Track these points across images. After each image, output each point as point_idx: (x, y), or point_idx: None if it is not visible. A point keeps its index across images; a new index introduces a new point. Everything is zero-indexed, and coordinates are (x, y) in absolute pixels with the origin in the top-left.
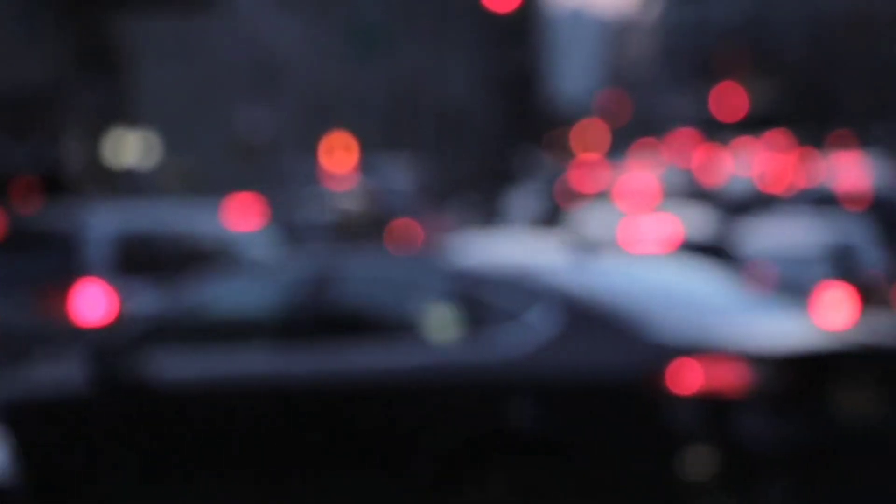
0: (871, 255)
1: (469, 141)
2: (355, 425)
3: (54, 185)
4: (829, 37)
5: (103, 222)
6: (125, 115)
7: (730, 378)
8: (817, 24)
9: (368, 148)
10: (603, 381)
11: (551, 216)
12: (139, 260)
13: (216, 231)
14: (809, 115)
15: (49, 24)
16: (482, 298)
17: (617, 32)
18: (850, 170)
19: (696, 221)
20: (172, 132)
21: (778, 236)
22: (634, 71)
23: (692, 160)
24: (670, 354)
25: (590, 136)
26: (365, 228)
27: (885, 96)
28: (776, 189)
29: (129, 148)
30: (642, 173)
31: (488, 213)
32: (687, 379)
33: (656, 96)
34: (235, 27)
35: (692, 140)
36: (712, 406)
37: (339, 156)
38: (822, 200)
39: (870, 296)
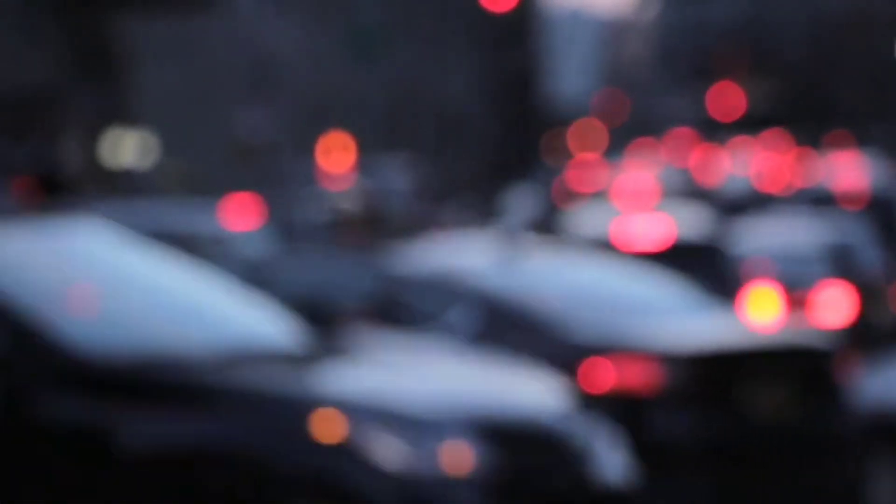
0: (869, 255)
1: (467, 141)
2: None
3: (53, 185)
4: (828, 37)
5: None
6: (124, 115)
7: (641, 377)
8: (815, 25)
9: (366, 148)
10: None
11: (549, 216)
12: None
13: (214, 231)
14: (807, 115)
15: (48, 24)
16: (404, 300)
17: (614, 33)
18: (847, 170)
19: (691, 221)
20: (171, 132)
21: (776, 236)
22: (632, 71)
23: (690, 160)
24: (582, 354)
25: (587, 135)
26: (362, 228)
27: (884, 97)
28: (774, 189)
29: (128, 148)
30: (640, 173)
31: (486, 212)
32: (598, 378)
33: (654, 96)
34: (234, 28)
35: (690, 140)
36: (624, 404)
37: (336, 156)
38: (820, 200)
39: (868, 295)
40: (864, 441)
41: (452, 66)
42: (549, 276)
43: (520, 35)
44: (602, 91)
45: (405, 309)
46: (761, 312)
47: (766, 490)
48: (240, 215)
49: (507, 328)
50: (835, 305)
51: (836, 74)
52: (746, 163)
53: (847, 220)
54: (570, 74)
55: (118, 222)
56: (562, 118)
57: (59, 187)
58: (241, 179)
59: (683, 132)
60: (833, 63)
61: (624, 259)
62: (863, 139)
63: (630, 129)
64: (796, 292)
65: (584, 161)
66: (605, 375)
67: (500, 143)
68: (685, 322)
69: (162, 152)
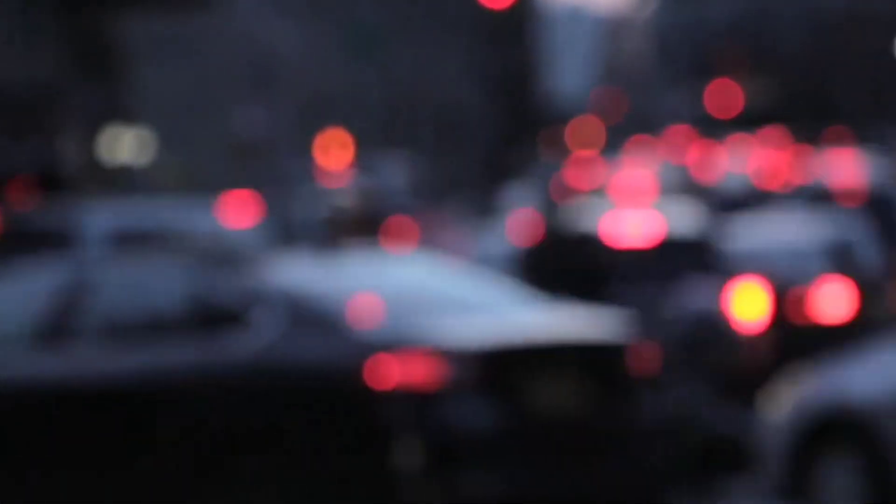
0: (868, 251)
1: (465, 138)
2: (98, 426)
3: (51, 183)
4: (826, 34)
5: (100, 220)
6: (122, 113)
7: (426, 373)
8: (814, 22)
9: (364, 145)
10: (314, 379)
11: (547, 213)
12: None
13: (212, 228)
14: (805, 112)
15: (47, 23)
16: (212, 300)
17: (613, 30)
18: (845, 167)
19: (685, 217)
20: (169, 130)
21: (774, 232)
22: (630, 68)
23: (688, 157)
24: (369, 351)
25: (585, 132)
26: (360, 226)
27: (882, 93)
28: (772, 185)
29: (126, 146)
30: (638, 170)
31: (484, 210)
32: (385, 375)
33: (652, 93)
34: (232, 26)
35: (688, 137)
36: (411, 400)
37: (334, 153)
38: (818, 197)
39: (867, 291)
40: (665, 435)
41: (451, 64)
42: (357, 277)
43: (518, 32)
44: (600, 88)
45: (215, 310)
46: (748, 308)
47: (555, 483)
48: (238, 212)
49: (308, 327)
50: (833, 302)
51: (835, 71)
52: (744, 160)
53: (845, 216)
54: (568, 71)
55: (115, 220)
56: (560, 115)
57: (57, 185)
58: (239, 177)
59: (681, 129)
60: (831, 60)
61: (451, 262)
62: (861, 136)
63: (628, 126)
64: (794, 289)
65: (582, 158)
66: (390, 372)
67: (498, 141)
68: (485, 319)
69: (160, 150)
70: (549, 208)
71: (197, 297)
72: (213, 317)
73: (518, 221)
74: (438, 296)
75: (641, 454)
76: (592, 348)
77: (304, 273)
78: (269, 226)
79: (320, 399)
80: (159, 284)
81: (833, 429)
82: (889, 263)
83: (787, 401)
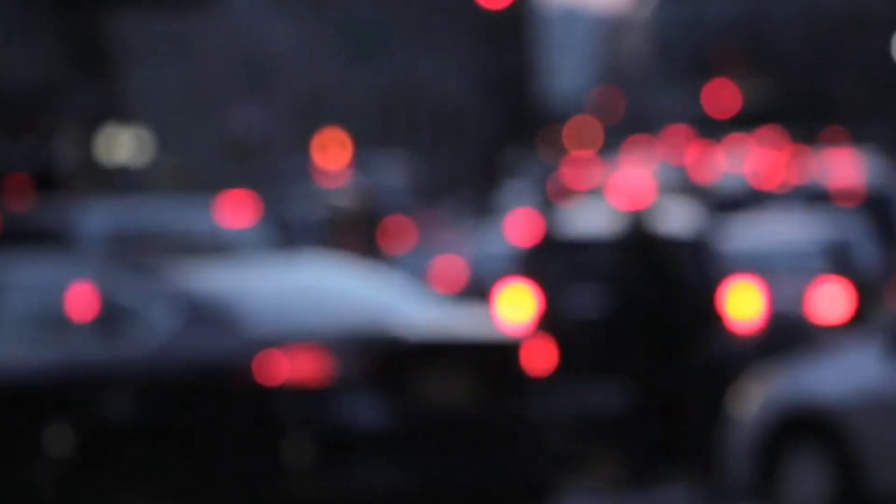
0: (866, 251)
1: (462, 138)
2: None
3: (48, 183)
4: (824, 34)
5: (97, 220)
6: (119, 112)
7: (317, 368)
8: (811, 21)
9: (362, 145)
10: (206, 376)
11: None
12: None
13: (210, 228)
14: (803, 112)
15: (43, 22)
16: (112, 297)
17: (610, 29)
18: (843, 166)
19: (682, 217)
20: (166, 130)
21: (772, 232)
22: (628, 68)
23: (685, 157)
24: (259, 348)
25: (583, 133)
26: (358, 225)
27: (879, 93)
28: (770, 186)
29: (123, 146)
30: (636, 170)
31: (482, 209)
32: (274, 370)
33: (650, 93)
34: (229, 26)
35: (685, 137)
36: (300, 395)
37: (332, 153)
38: (816, 197)
39: (864, 291)
40: (556, 428)
41: (448, 63)
42: (254, 276)
43: (516, 32)
44: (598, 88)
45: (115, 307)
46: (742, 308)
47: (443, 476)
48: (236, 212)
49: (202, 325)
50: (832, 302)
51: (832, 71)
52: (742, 160)
53: (843, 216)
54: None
55: (112, 220)
56: (557, 115)
57: (54, 185)
58: (236, 176)
59: (679, 129)
60: (829, 60)
61: (354, 262)
62: (859, 136)
63: (625, 127)
64: (792, 288)
65: (579, 158)
66: (280, 368)
67: (496, 140)
68: (378, 317)
69: (157, 149)
70: (547, 208)
71: (98, 296)
72: (113, 315)
73: (516, 221)
74: (334, 295)
75: (530, 449)
76: (483, 346)
77: (204, 274)
78: (266, 225)
79: (212, 395)
80: (64, 284)
81: (799, 427)
82: (887, 263)
83: (755, 399)
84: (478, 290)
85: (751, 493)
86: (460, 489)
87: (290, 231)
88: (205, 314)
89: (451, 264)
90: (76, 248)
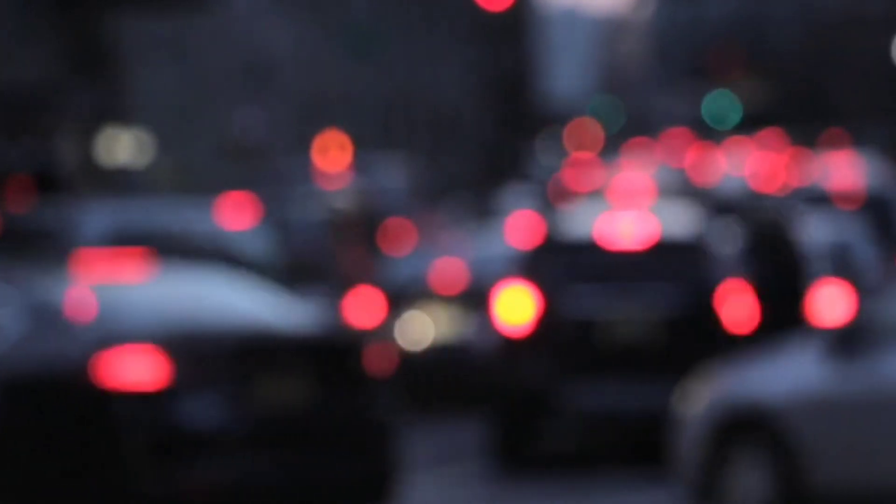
0: (866, 254)
1: (462, 140)
2: None
3: (48, 184)
4: (823, 36)
5: (97, 221)
6: (119, 114)
7: (154, 368)
8: (811, 24)
9: (362, 147)
10: (47, 378)
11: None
12: None
13: (210, 230)
14: (802, 115)
15: (43, 23)
16: None
17: (610, 32)
18: (843, 169)
19: (681, 220)
20: (166, 131)
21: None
22: (627, 70)
23: (685, 159)
24: (95, 348)
25: (583, 135)
26: (358, 227)
27: (879, 95)
28: (769, 188)
29: (123, 147)
30: (635, 172)
31: (482, 211)
32: (111, 371)
33: (649, 95)
34: (229, 27)
35: (685, 139)
36: (136, 395)
37: (332, 155)
38: (816, 199)
39: (865, 294)
40: (394, 429)
41: (448, 65)
42: (121, 283)
43: (515, 34)
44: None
45: None
46: (735, 310)
47: (280, 474)
48: (235, 214)
49: (46, 328)
50: (831, 304)
51: (832, 73)
52: (742, 162)
53: (843, 219)
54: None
55: (112, 221)
56: (557, 117)
57: (54, 186)
58: (236, 178)
59: (679, 131)
60: (828, 62)
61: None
62: (859, 138)
63: (625, 129)
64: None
65: (579, 160)
66: (116, 369)
67: (496, 142)
68: (220, 318)
69: (157, 150)
70: (547, 210)
71: None
72: None
73: (516, 223)
74: (192, 301)
75: (371, 446)
76: (323, 345)
77: (52, 278)
78: (266, 227)
79: (52, 397)
80: None
81: (743, 426)
82: (887, 266)
83: (701, 399)
84: (477, 292)
85: (697, 491)
86: (298, 487)
87: (289, 232)
88: (51, 318)
89: (451, 266)
90: (76, 248)
